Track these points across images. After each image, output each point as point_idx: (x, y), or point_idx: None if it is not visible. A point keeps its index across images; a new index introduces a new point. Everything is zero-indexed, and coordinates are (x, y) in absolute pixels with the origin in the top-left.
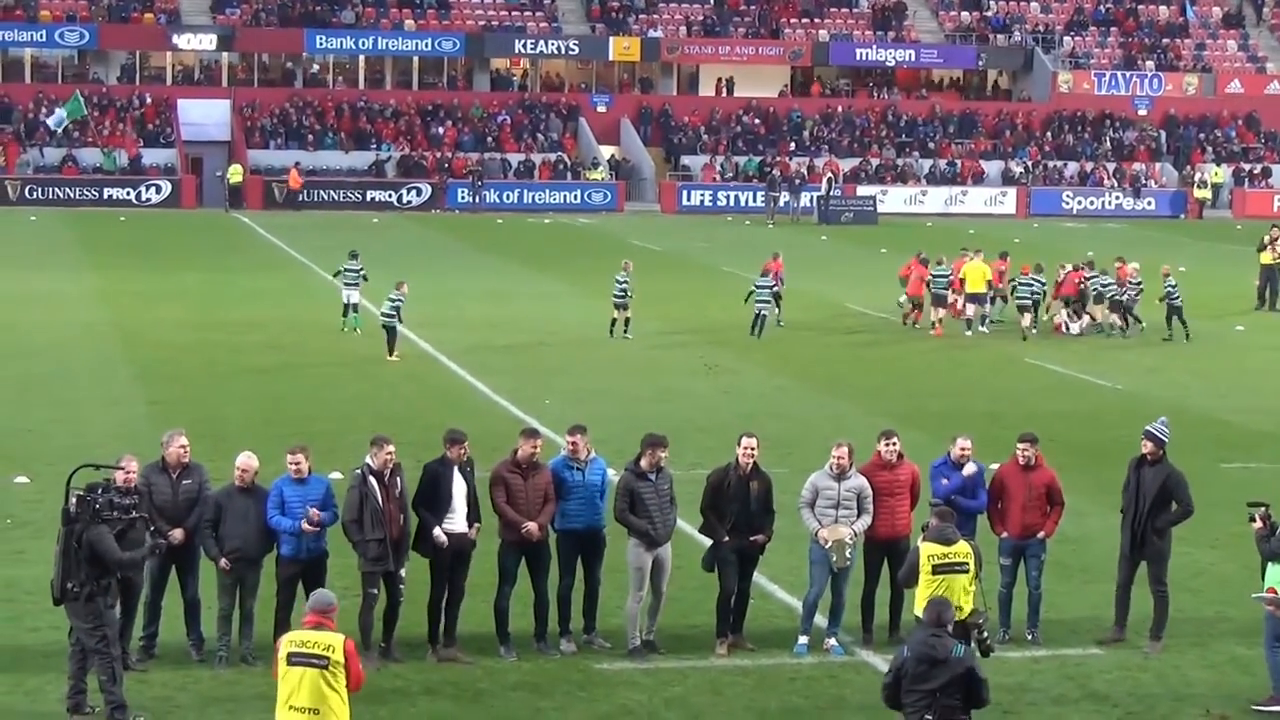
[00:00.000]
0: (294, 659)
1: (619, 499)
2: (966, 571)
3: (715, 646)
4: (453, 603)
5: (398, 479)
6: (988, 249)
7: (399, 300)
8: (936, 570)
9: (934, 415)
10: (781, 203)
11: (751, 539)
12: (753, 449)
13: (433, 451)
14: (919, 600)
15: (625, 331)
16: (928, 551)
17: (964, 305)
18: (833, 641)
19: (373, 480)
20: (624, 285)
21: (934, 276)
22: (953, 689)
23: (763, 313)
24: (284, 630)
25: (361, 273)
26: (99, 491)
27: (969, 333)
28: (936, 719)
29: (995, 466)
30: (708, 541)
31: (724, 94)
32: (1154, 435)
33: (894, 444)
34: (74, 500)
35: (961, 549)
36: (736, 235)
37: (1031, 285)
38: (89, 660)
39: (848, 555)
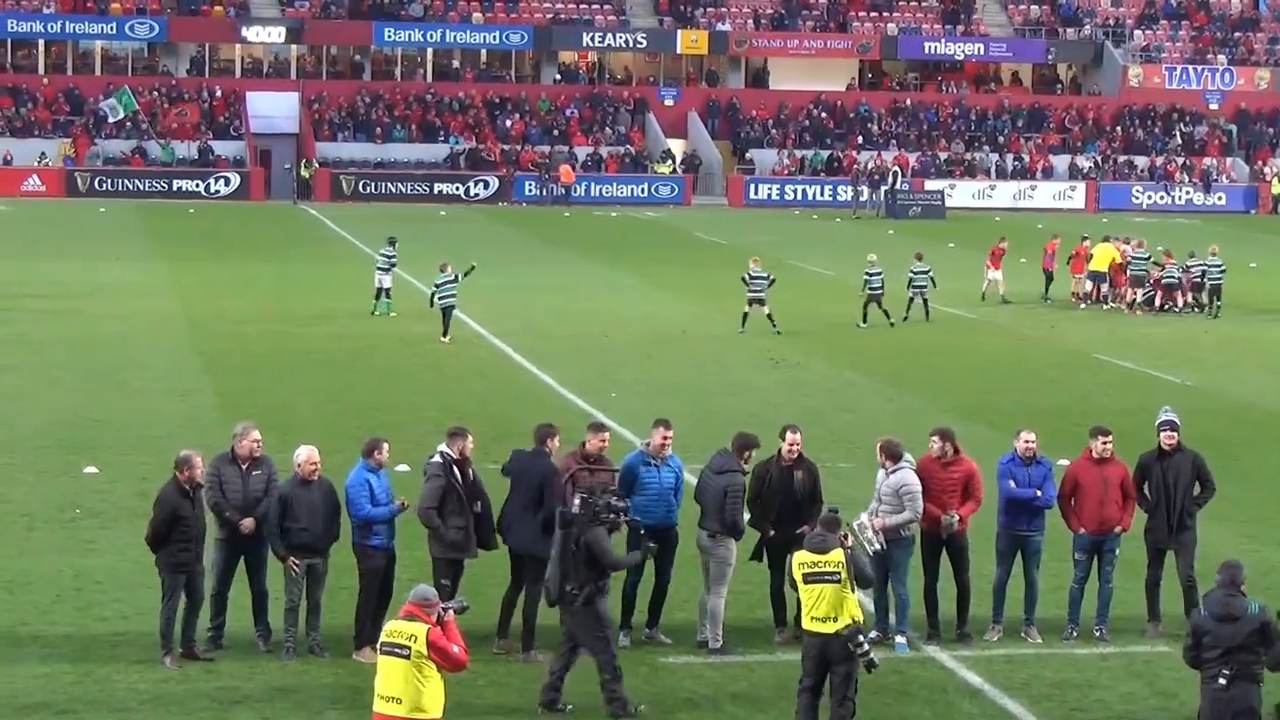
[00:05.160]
0: (383, 648)
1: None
2: (837, 581)
3: (775, 635)
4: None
5: (471, 469)
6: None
7: (456, 276)
8: (807, 579)
9: (1000, 410)
10: (863, 197)
11: (798, 531)
12: (797, 444)
13: (500, 443)
14: (804, 606)
15: (773, 326)
16: (799, 559)
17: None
18: (899, 639)
19: (455, 469)
20: (761, 279)
21: (1133, 259)
22: (1250, 644)
23: (920, 296)
24: (367, 621)
25: (394, 260)
26: (599, 494)
27: (1082, 306)
28: (1233, 673)
29: (1064, 462)
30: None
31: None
32: (1176, 424)
33: (938, 444)
34: (578, 501)
35: (834, 557)
36: (804, 229)
37: (1147, 259)
38: (573, 658)
39: (870, 540)
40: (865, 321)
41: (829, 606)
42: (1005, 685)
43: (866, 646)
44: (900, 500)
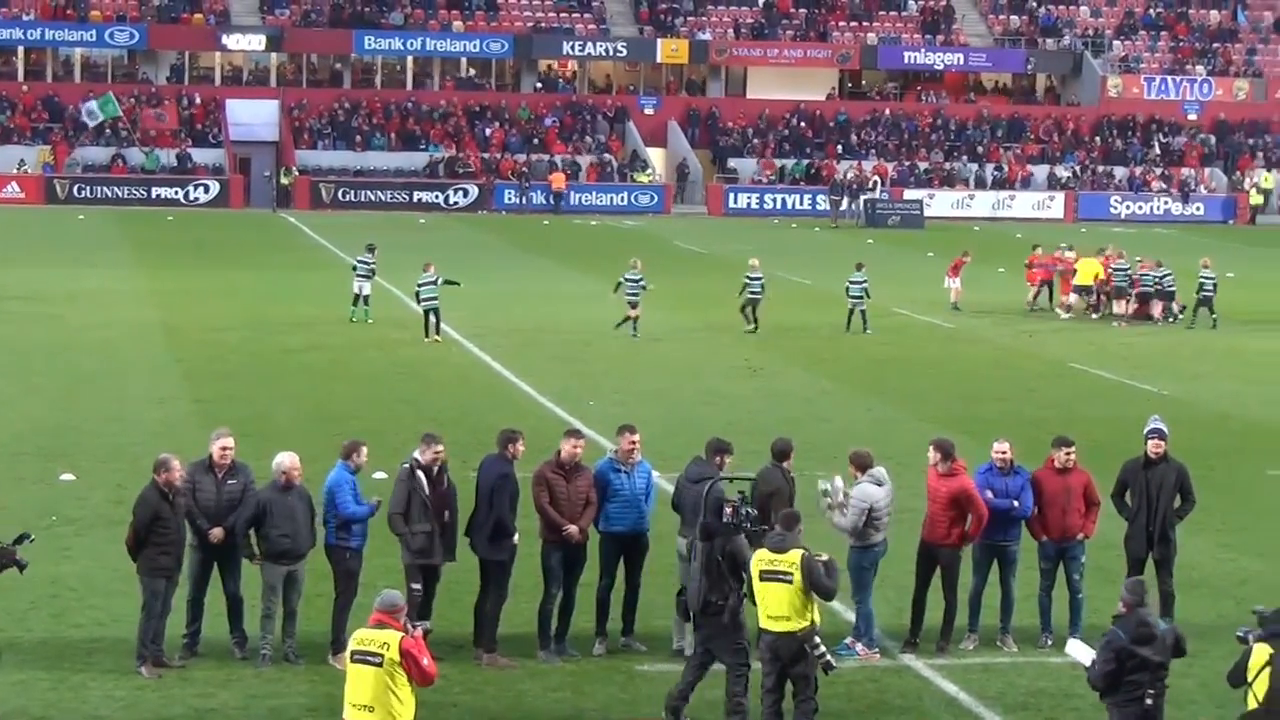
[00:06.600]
0: (355, 656)
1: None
2: (790, 581)
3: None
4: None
5: (444, 476)
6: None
7: (437, 279)
8: (763, 577)
9: (979, 420)
10: (843, 206)
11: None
12: None
13: (479, 451)
14: (759, 605)
15: (633, 330)
16: (757, 557)
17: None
18: (846, 640)
19: (421, 475)
20: (635, 283)
21: (1115, 270)
22: (1167, 661)
23: (856, 308)
24: (345, 625)
25: (374, 266)
26: (741, 504)
27: (1065, 315)
28: (1157, 693)
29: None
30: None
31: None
32: (1164, 432)
33: (930, 454)
34: (728, 510)
35: (789, 558)
36: (784, 238)
37: (1128, 272)
38: (704, 672)
39: (833, 495)
40: (749, 324)
41: (782, 605)
42: (980, 694)
43: (823, 648)
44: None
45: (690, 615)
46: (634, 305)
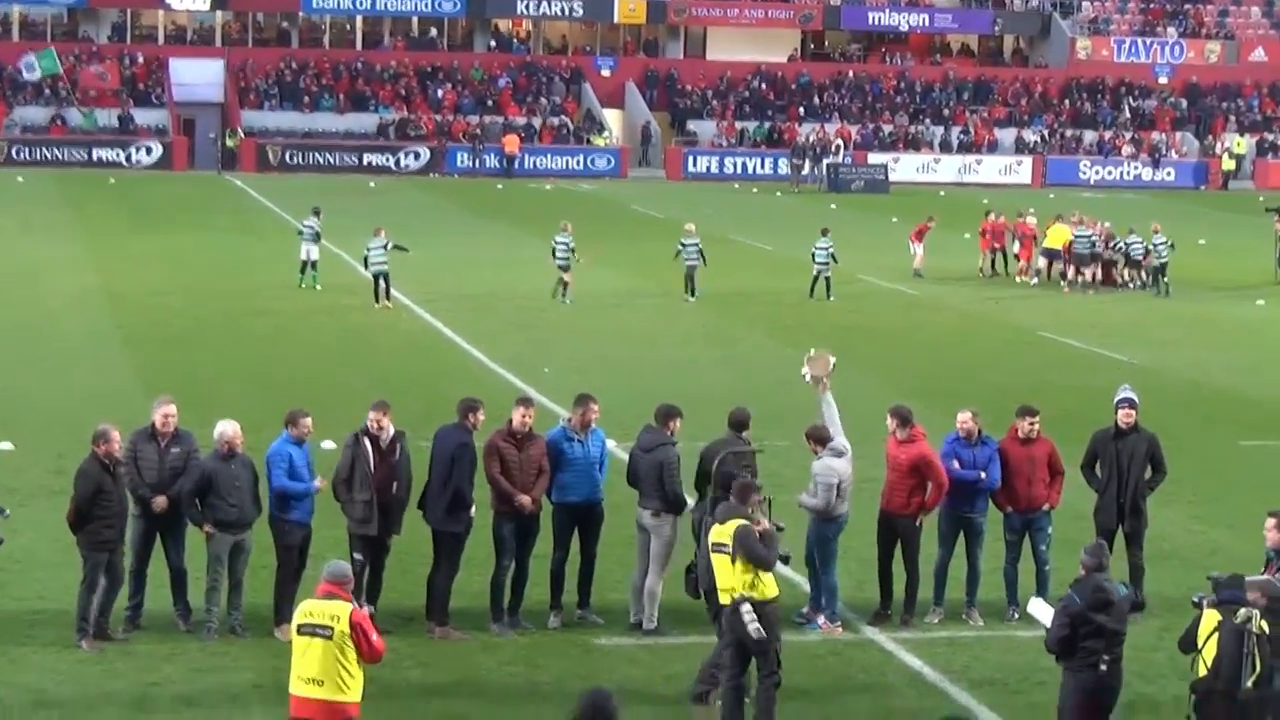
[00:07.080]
0: (302, 629)
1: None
2: (727, 553)
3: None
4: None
5: (397, 445)
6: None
7: (387, 244)
8: (712, 549)
9: (944, 389)
10: (805, 170)
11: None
12: None
13: (430, 419)
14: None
15: (565, 296)
16: (714, 528)
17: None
18: (819, 619)
19: (366, 442)
20: (565, 245)
21: (1077, 237)
22: (1124, 629)
23: (821, 275)
24: (290, 598)
25: (318, 230)
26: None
27: (1034, 281)
28: (1112, 659)
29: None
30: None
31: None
32: (1135, 401)
33: (888, 421)
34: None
35: (727, 529)
36: (744, 203)
37: (1091, 238)
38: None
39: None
40: (692, 296)
41: (725, 577)
42: (945, 668)
43: (749, 618)
44: (815, 485)
45: (700, 593)
46: (565, 269)
